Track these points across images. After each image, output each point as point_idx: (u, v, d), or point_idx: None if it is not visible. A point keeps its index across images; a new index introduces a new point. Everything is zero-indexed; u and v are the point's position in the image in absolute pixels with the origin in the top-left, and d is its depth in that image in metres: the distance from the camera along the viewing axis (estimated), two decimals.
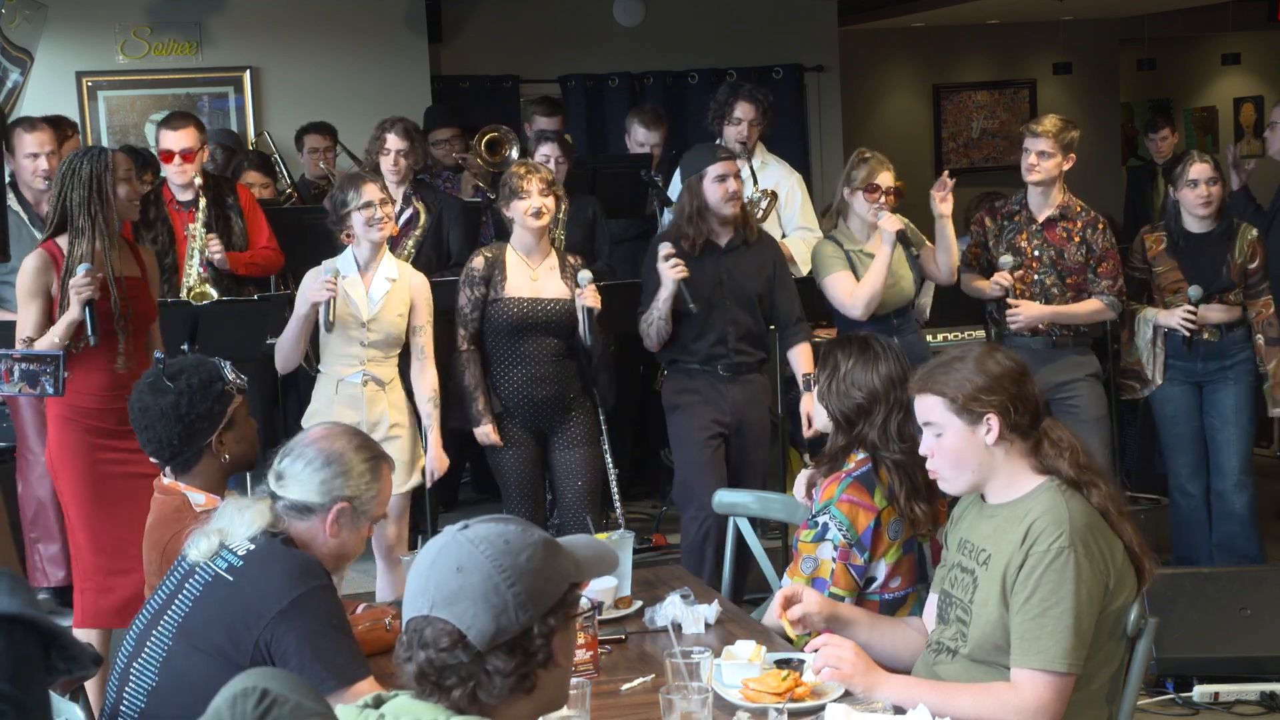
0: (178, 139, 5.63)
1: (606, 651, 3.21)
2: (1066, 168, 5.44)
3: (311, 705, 1.72)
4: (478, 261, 5.03)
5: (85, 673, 2.17)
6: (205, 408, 3.27)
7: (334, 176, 6.88)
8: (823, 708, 2.76)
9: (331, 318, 4.75)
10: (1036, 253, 5.46)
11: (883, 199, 5.24)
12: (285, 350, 4.93)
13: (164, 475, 3.35)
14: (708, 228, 5.14)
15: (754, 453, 5.25)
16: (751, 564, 4.53)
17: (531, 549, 2.00)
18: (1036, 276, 5.46)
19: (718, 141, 6.06)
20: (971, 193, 8.24)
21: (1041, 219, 5.48)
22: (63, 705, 2.79)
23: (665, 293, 5.03)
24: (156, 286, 4.83)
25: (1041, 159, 5.40)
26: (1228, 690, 4.79)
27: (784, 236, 6.39)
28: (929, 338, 6.22)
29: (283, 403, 6.06)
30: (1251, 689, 4.79)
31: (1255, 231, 5.62)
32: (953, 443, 2.87)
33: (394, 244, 5.48)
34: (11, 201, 5.69)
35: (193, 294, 5.52)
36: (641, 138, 6.72)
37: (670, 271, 5.00)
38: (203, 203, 5.63)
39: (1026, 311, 5.41)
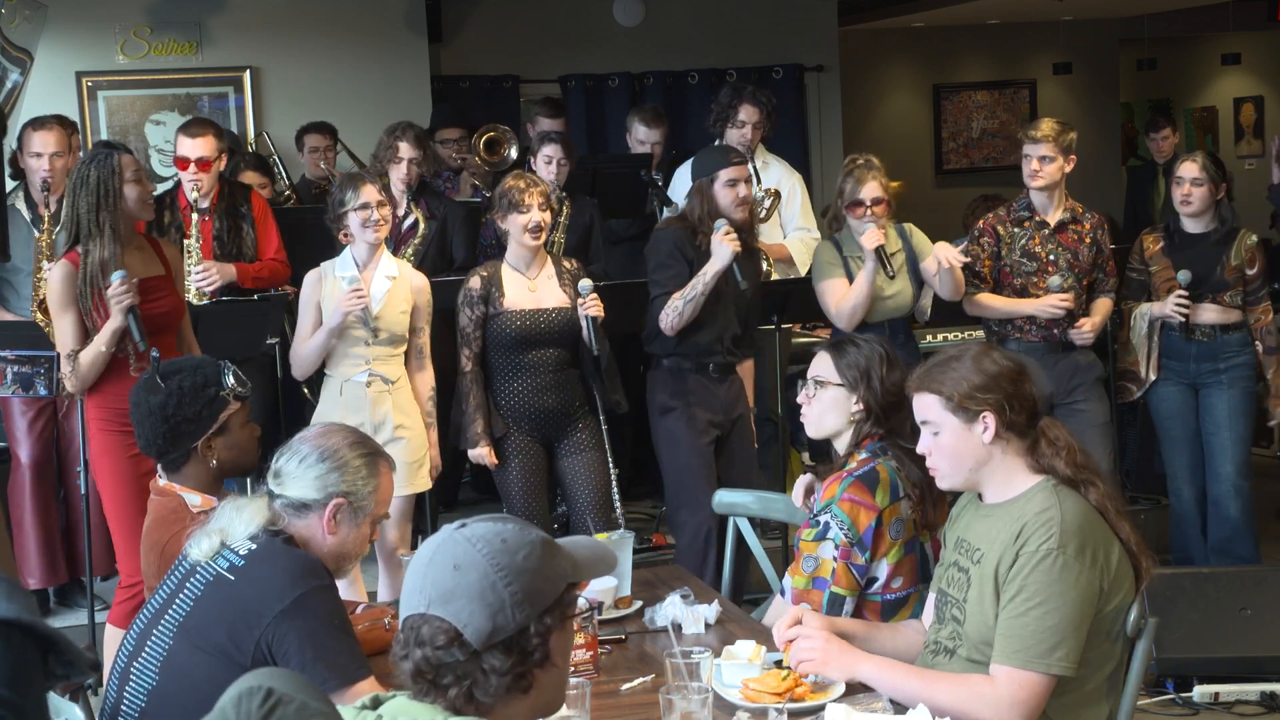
0: (195, 146, 5.54)
1: (606, 651, 3.21)
2: (1068, 169, 5.44)
3: (317, 705, 1.72)
4: (474, 282, 5.02)
5: (83, 677, 2.17)
6: (193, 411, 3.27)
7: (334, 176, 6.87)
8: (823, 708, 2.76)
9: (374, 323, 4.79)
10: (1052, 257, 5.44)
11: (868, 214, 5.20)
12: (310, 359, 4.92)
13: (160, 477, 3.36)
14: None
15: (746, 449, 5.28)
16: (751, 564, 4.53)
17: (529, 548, 2.00)
18: (1059, 277, 5.45)
19: (720, 144, 6.06)
20: (971, 193, 8.23)
21: (1053, 224, 5.47)
22: (62, 705, 2.80)
23: (717, 266, 5.00)
24: (183, 279, 4.81)
25: (1044, 164, 5.38)
26: (1228, 690, 4.79)
27: (784, 236, 6.40)
28: (928, 338, 6.22)
29: (283, 407, 6.05)
30: (1251, 689, 4.80)
31: (1255, 237, 5.64)
32: (950, 441, 2.88)
33: (394, 251, 5.47)
34: (19, 202, 5.69)
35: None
36: (642, 136, 6.73)
37: (728, 241, 4.98)
38: (188, 241, 5.46)
39: (1094, 328, 5.45)
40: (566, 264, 5.16)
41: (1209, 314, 5.56)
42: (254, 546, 2.78)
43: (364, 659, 2.80)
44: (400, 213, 5.81)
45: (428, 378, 5.03)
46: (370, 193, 4.85)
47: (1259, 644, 4.81)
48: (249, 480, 5.28)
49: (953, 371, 2.88)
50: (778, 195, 6.14)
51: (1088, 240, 5.49)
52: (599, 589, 3.41)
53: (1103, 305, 5.55)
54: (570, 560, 2.06)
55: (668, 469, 5.29)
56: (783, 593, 3.41)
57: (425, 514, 5.49)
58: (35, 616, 2.01)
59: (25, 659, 1.97)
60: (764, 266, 5.72)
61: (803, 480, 3.63)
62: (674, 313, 5.06)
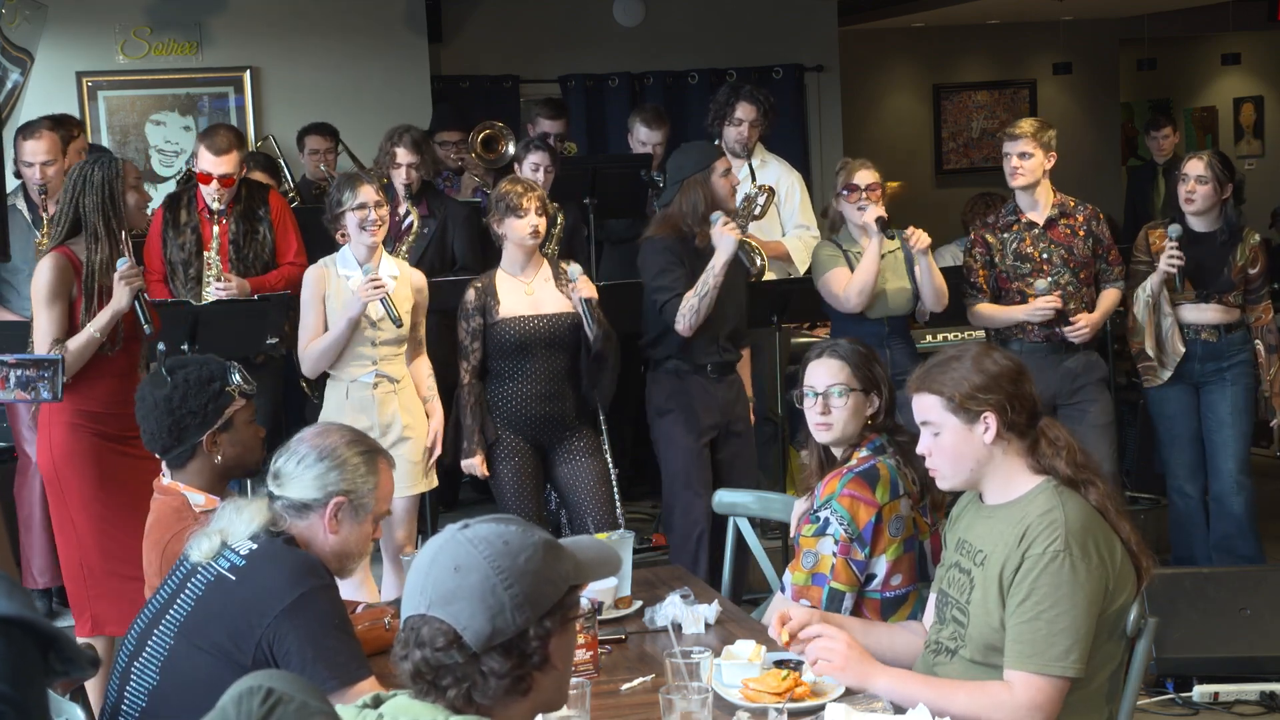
0: (218, 164, 5.47)
1: (606, 651, 3.22)
2: (1049, 166, 5.44)
3: (317, 705, 1.73)
4: (469, 295, 5.01)
5: (83, 674, 2.17)
6: (198, 404, 3.28)
7: (334, 178, 6.87)
8: (823, 708, 2.76)
9: (396, 315, 4.79)
10: (1045, 255, 5.44)
11: (863, 197, 5.27)
12: (326, 355, 4.88)
13: (163, 476, 3.36)
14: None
15: (745, 450, 5.29)
16: (751, 563, 4.53)
17: (531, 550, 2.00)
18: (1051, 278, 5.45)
19: (716, 142, 6.07)
20: (971, 193, 8.23)
21: (1042, 222, 5.47)
22: (63, 705, 2.79)
23: (724, 257, 5.00)
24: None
25: (1024, 160, 5.39)
26: (1228, 690, 4.79)
27: (783, 235, 6.40)
28: (928, 338, 6.22)
29: (284, 408, 6.05)
30: (1251, 689, 4.80)
31: (1258, 236, 5.64)
32: (950, 441, 2.88)
33: (389, 248, 5.46)
34: (20, 202, 5.69)
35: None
36: (644, 137, 6.72)
37: (730, 231, 5.00)
38: (208, 254, 5.47)
39: (1091, 324, 5.43)
40: (563, 265, 5.15)
41: (1213, 314, 5.56)
42: (255, 546, 2.79)
43: (364, 659, 2.80)
44: (401, 210, 5.82)
45: (426, 365, 5.09)
46: (368, 193, 4.85)
47: (1259, 644, 4.81)
48: (249, 482, 5.29)
49: (953, 372, 2.88)
50: (771, 192, 6.14)
51: (1081, 233, 5.48)
52: (599, 589, 3.41)
53: (1108, 298, 5.54)
54: (573, 562, 2.06)
55: (664, 470, 5.29)
56: (783, 589, 3.42)
57: (426, 514, 5.49)
58: (35, 614, 2.01)
59: (26, 656, 1.97)
60: (758, 261, 5.73)
61: (799, 505, 3.58)
62: (690, 311, 5.05)
